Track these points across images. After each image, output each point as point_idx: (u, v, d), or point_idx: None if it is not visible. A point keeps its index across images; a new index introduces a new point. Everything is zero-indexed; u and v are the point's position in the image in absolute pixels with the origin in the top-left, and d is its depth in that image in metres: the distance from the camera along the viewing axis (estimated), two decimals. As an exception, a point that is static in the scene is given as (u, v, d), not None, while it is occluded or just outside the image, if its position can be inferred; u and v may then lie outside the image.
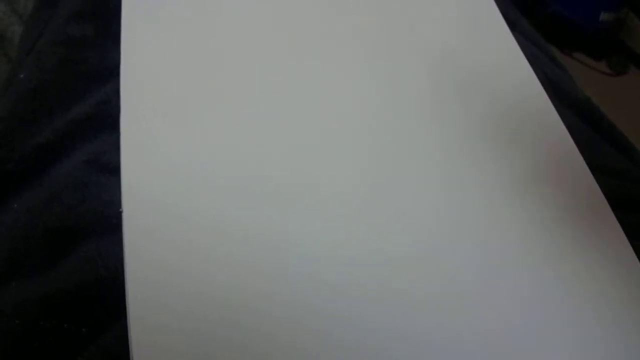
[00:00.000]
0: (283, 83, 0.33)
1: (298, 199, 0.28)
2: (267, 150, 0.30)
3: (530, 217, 0.29)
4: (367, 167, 0.30)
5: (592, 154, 0.33)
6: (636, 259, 0.29)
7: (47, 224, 0.27)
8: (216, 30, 0.35)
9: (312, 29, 0.37)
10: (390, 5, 0.40)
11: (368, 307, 0.25)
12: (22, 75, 0.34)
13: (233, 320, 0.24)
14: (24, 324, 0.24)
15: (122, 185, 0.27)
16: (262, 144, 0.30)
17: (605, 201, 0.31)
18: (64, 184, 0.28)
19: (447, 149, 0.31)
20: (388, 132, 0.32)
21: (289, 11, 0.38)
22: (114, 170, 0.29)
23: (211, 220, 0.26)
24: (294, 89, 0.33)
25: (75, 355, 0.23)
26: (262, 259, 0.26)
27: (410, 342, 0.24)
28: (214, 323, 0.23)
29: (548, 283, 0.27)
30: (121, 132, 0.29)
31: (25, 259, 0.26)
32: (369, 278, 0.26)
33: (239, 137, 0.30)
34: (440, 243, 0.28)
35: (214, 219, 0.27)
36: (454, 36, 0.38)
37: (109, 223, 0.27)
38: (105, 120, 0.32)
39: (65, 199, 0.28)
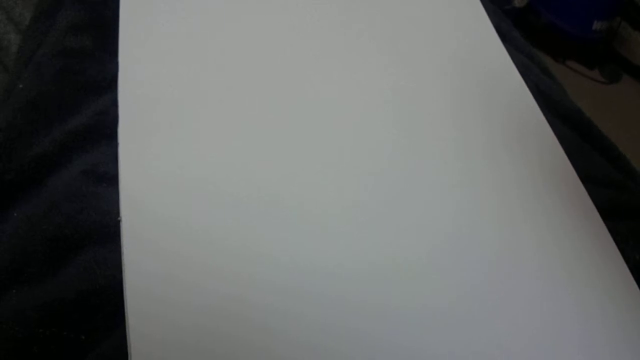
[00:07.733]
0: (285, 91, 0.33)
1: (301, 210, 0.28)
2: (269, 162, 0.30)
3: (519, 226, 0.30)
4: (368, 177, 0.30)
5: (582, 164, 0.34)
6: (625, 266, 0.29)
7: (47, 233, 0.27)
8: (214, 42, 0.36)
9: (307, 46, 0.37)
10: (381, 18, 0.40)
11: (379, 321, 0.25)
12: (21, 86, 0.35)
13: (231, 330, 0.24)
14: (23, 332, 0.24)
15: (120, 195, 0.27)
16: (262, 154, 0.30)
17: (595, 210, 0.31)
18: (62, 194, 0.29)
19: (436, 159, 0.32)
20: (379, 145, 0.32)
21: (291, 20, 0.38)
22: (111, 180, 0.29)
23: (209, 230, 0.27)
24: (296, 98, 0.33)
25: (74, 363, 0.24)
26: (262, 271, 0.26)
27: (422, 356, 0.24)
28: (211, 333, 0.24)
29: (538, 291, 0.27)
30: (119, 143, 0.30)
31: (25, 267, 0.26)
32: (377, 292, 0.26)
33: (239, 147, 0.30)
34: (430, 258, 0.28)
35: (213, 229, 0.27)
36: (445, 47, 0.39)
37: (107, 232, 0.27)
38: (103, 131, 0.32)
39: (63, 209, 0.28)
